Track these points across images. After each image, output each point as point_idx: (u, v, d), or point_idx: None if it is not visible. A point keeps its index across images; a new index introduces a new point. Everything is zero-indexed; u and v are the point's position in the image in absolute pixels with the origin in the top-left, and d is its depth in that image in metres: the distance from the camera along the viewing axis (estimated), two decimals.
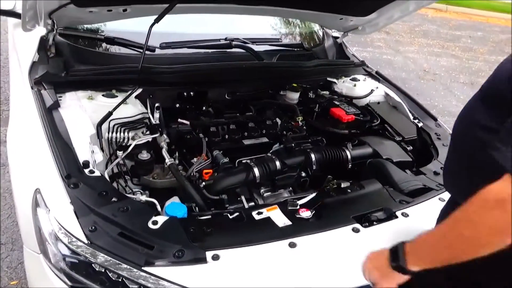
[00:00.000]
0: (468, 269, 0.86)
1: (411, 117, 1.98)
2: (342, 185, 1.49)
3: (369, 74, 2.30)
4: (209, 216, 1.27)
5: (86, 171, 1.25)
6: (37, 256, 1.16)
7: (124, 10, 1.71)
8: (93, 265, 1.05)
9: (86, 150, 1.34)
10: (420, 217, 1.36)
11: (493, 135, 0.85)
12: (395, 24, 8.01)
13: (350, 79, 2.18)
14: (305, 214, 1.29)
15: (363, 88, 2.12)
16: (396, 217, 1.32)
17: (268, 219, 1.25)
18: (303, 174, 1.61)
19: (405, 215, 1.34)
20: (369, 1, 2.04)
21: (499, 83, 0.89)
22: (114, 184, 1.38)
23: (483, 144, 0.88)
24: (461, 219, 0.83)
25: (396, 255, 0.94)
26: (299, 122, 1.88)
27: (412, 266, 0.92)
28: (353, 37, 6.33)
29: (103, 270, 1.05)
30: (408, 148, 1.83)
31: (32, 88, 1.57)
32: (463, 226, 0.82)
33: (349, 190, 1.45)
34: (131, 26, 1.90)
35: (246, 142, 1.73)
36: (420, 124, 1.93)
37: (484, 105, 0.93)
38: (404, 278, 0.95)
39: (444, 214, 1.09)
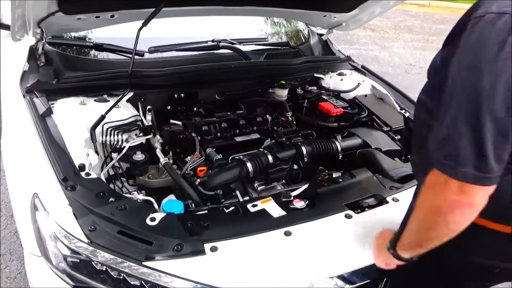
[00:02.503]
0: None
1: (398, 108, 2.04)
2: (334, 175, 1.53)
3: (355, 69, 2.35)
4: (206, 211, 1.30)
5: (82, 173, 1.27)
6: (38, 259, 1.18)
7: (112, 16, 1.74)
8: (94, 264, 1.07)
9: (81, 154, 1.37)
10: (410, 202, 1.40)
11: (429, 115, 0.94)
12: (380, 21, 8.13)
13: (337, 74, 2.23)
14: (299, 204, 1.33)
15: (350, 82, 2.17)
16: (387, 202, 1.37)
17: (263, 211, 1.29)
18: (295, 167, 1.64)
19: (395, 200, 1.38)
20: None
21: (431, 63, 0.99)
22: (111, 186, 1.40)
23: (424, 125, 0.96)
24: (416, 205, 0.91)
25: (393, 241, 1.03)
26: (289, 118, 1.92)
27: (400, 251, 1.01)
28: (339, 35, 6.44)
29: (104, 269, 1.07)
30: (396, 138, 1.87)
31: (24, 96, 1.59)
32: (417, 210, 0.91)
33: (340, 180, 1.49)
34: (119, 32, 1.92)
35: (238, 139, 1.76)
36: (407, 114, 1.97)
37: (428, 83, 1.01)
38: (398, 262, 1.04)
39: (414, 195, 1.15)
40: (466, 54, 0.77)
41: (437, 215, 0.84)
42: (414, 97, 2.24)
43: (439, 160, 0.79)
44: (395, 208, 1.35)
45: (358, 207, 1.33)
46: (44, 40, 1.74)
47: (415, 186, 1.45)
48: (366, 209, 1.33)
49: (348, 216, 1.28)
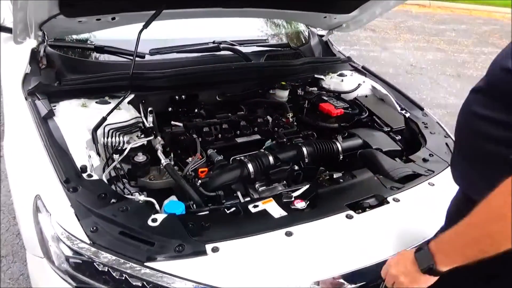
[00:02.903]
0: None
1: (398, 108, 2.04)
2: (335, 176, 1.53)
3: (356, 69, 2.35)
4: (207, 212, 1.30)
5: (84, 175, 1.28)
6: (40, 261, 1.19)
7: (113, 19, 1.75)
8: (96, 264, 1.08)
9: (83, 155, 1.37)
10: (411, 202, 1.41)
11: (499, 127, 0.86)
12: (381, 21, 8.13)
13: (337, 75, 2.23)
14: (300, 204, 1.33)
15: (350, 83, 2.17)
16: (388, 202, 1.37)
17: (264, 211, 1.29)
18: (296, 168, 1.65)
19: (396, 200, 1.38)
20: None
21: (493, 74, 0.91)
22: (112, 187, 1.41)
23: (488, 136, 0.89)
24: (488, 215, 0.81)
25: (424, 258, 0.94)
26: (290, 119, 1.92)
27: (442, 266, 0.91)
28: (340, 36, 6.44)
29: (106, 270, 1.08)
30: (397, 138, 1.87)
31: (26, 99, 1.60)
32: (491, 221, 0.80)
33: (341, 180, 1.49)
34: (120, 34, 1.93)
35: (239, 140, 1.77)
36: (407, 115, 1.98)
37: (485, 97, 0.93)
38: (433, 279, 0.96)
39: (455, 205, 1.11)
40: None
41: None
42: (415, 97, 2.26)
43: None
44: (396, 208, 1.36)
45: (359, 208, 1.34)
46: (45, 43, 1.75)
47: (417, 186, 1.48)
48: (367, 209, 1.34)
49: (349, 217, 1.28)
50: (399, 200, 1.38)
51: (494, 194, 0.79)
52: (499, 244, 0.80)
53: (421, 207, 1.40)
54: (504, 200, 0.77)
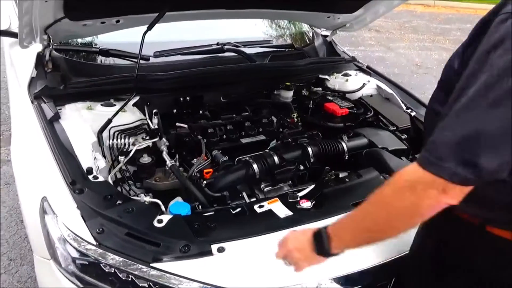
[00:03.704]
0: None
1: (404, 107, 2.03)
2: (340, 175, 1.52)
3: (360, 69, 2.35)
4: (212, 212, 1.30)
5: (90, 177, 1.29)
6: (47, 262, 1.19)
7: (117, 22, 1.75)
8: (102, 266, 1.08)
9: (89, 158, 1.38)
10: None
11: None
12: (385, 22, 8.11)
13: (342, 75, 2.23)
14: (306, 204, 1.32)
15: (355, 83, 2.16)
16: None
17: (269, 212, 1.29)
18: (301, 168, 1.64)
19: None
20: None
21: (446, 69, 0.94)
22: (118, 189, 1.41)
23: None
24: (377, 202, 0.88)
25: (320, 240, 0.97)
26: (295, 119, 1.92)
27: (335, 249, 0.97)
28: (345, 37, 6.43)
29: (112, 271, 1.08)
30: (403, 137, 1.86)
31: (32, 102, 1.62)
32: (378, 208, 0.87)
33: (347, 180, 1.48)
34: (125, 37, 1.94)
35: (244, 140, 1.77)
36: (413, 113, 1.97)
37: (441, 92, 0.95)
38: (325, 259, 1.00)
39: None
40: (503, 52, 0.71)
41: (411, 214, 0.82)
42: (421, 97, 2.24)
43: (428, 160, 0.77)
44: None
45: None
46: (51, 47, 1.76)
47: None
48: None
49: None
50: None
51: (385, 184, 0.85)
52: (385, 232, 0.88)
53: None
54: (391, 189, 0.83)
